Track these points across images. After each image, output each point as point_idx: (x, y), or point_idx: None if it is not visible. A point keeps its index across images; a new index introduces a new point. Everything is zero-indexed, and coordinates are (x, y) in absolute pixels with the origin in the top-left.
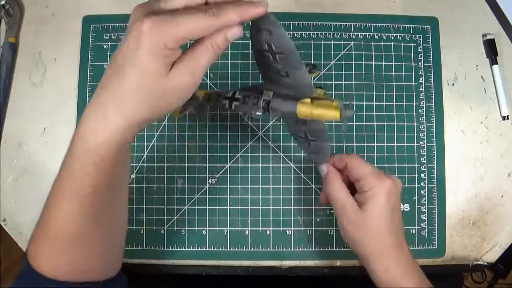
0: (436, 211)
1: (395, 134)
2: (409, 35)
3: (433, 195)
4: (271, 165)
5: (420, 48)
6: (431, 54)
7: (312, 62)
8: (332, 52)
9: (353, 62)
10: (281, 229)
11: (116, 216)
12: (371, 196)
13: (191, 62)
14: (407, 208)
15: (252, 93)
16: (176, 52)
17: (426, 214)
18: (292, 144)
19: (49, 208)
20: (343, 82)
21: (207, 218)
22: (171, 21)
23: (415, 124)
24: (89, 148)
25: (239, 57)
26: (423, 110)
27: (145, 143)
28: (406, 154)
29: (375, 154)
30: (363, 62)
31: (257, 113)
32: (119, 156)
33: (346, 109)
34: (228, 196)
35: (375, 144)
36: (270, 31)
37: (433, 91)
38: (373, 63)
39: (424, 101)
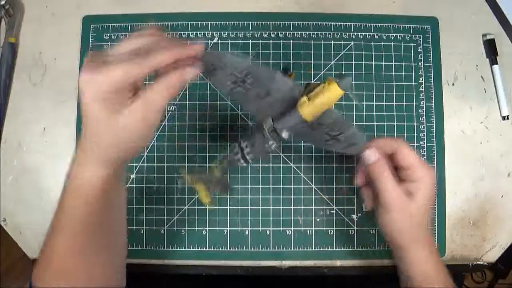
0: (436, 211)
1: (395, 134)
2: (409, 35)
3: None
4: (271, 165)
5: (420, 48)
6: (431, 54)
7: (282, 68)
8: (332, 52)
9: (353, 62)
10: (281, 229)
11: (112, 244)
12: (420, 187)
13: (145, 101)
14: None
15: (255, 133)
16: (121, 94)
17: None
18: (292, 144)
19: (50, 236)
20: None
21: (207, 218)
22: (103, 68)
23: (415, 124)
24: (76, 187)
25: None
26: (423, 110)
27: None
28: None
29: None
30: (363, 62)
31: (272, 145)
32: (107, 194)
33: (340, 79)
34: (228, 196)
35: None
36: (220, 63)
37: (433, 91)
38: (373, 63)
39: (424, 101)
